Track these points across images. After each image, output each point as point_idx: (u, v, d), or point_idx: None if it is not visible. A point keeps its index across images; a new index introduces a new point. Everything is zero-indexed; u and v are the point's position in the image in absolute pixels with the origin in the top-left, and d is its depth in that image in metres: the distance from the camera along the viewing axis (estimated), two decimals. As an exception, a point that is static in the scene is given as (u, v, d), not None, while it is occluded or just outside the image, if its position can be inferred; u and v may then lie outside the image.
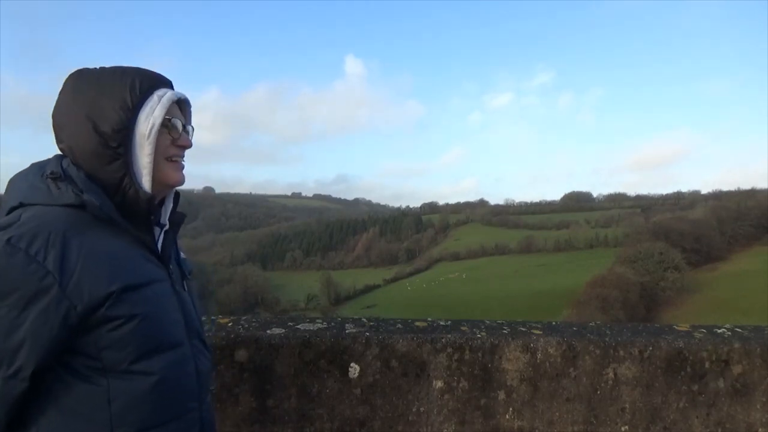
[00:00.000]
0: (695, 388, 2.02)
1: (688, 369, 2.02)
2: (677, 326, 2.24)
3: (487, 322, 2.19)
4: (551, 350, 1.98)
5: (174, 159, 1.20)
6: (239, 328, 1.97)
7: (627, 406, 2.00)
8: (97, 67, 1.17)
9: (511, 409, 1.97)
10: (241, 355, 1.90)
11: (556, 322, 2.24)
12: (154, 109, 1.13)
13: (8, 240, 0.98)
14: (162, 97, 1.15)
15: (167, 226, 1.26)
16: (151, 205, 1.16)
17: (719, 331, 2.19)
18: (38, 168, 1.14)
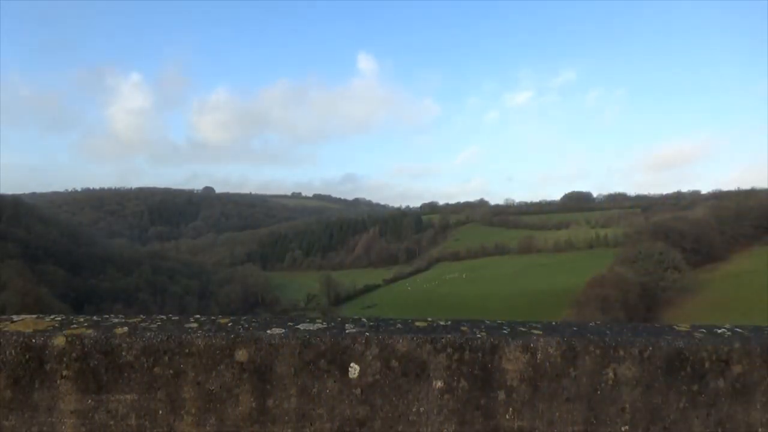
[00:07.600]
0: (695, 388, 2.02)
1: (688, 369, 2.02)
2: (677, 326, 2.24)
3: (487, 322, 2.19)
4: (551, 350, 1.98)
5: None
6: (239, 328, 1.97)
7: (627, 406, 2.00)
8: None
9: (511, 409, 1.97)
10: (241, 355, 1.90)
11: (556, 322, 2.24)
12: None
13: None
14: None
15: None
16: None
17: (719, 331, 2.18)
18: None
